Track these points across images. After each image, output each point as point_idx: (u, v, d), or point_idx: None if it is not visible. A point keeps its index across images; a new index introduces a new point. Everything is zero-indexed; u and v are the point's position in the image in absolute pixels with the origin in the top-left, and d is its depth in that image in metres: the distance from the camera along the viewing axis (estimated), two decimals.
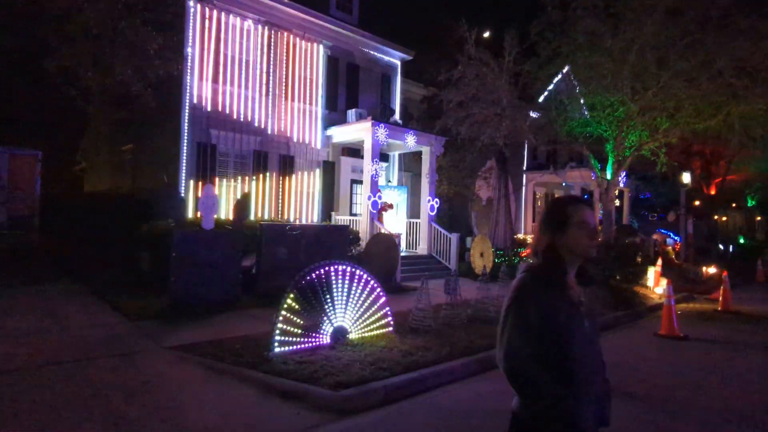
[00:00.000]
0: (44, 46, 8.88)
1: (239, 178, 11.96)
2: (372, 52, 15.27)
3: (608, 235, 12.48)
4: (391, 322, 6.06)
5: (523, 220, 20.50)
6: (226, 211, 11.31)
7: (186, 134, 11.06)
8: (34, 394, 3.96)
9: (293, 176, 12.89)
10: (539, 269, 1.68)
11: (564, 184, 21.02)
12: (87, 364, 4.71)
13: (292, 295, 5.21)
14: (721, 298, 10.03)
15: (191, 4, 11.06)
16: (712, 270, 14.93)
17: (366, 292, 5.81)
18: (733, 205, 33.49)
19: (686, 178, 17.17)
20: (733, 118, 11.47)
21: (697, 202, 25.92)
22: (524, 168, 20.67)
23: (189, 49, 10.95)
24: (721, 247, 20.43)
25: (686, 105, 11.29)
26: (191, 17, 11.10)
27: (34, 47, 9.32)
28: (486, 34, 14.47)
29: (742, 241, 28.41)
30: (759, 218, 37.17)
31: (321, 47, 13.56)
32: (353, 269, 5.77)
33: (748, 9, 9.97)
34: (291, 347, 5.10)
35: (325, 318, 5.42)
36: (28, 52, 9.71)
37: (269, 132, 12.44)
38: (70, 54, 8.52)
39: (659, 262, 13.16)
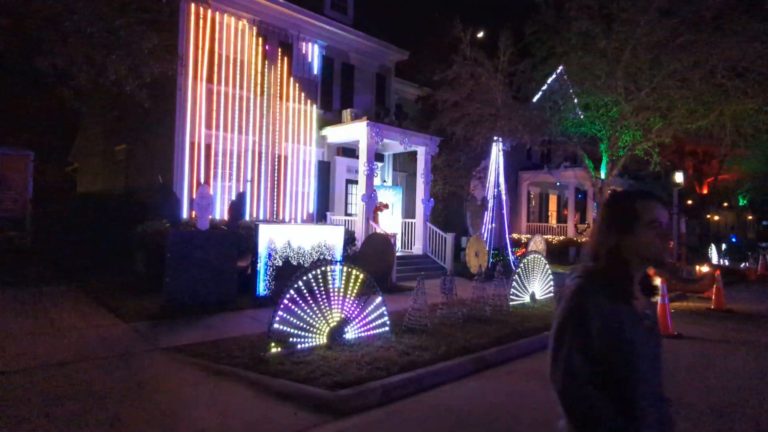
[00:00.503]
0: (37, 44, 8.78)
1: (234, 178, 11.92)
2: (367, 52, 15.27)
3: None
4: (388, 322, 6.06)
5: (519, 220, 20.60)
6: (221, 212, 11.28)
7: (180, 134, 11.02)
8: (28, 395, 3.93)
9: (288, 176, 12.85)
10: (601, 275, 1.45)
11: (558, 183, 21.14)
12: (82, 366, 4.68)
13: (288, 295, 5.21)
14: (714, 297, 10.11)
15: (186, 3, 11.02)
16: (705, 269, 15.04)
17: (362, 292, 5.81)
18: (725, 204, 33.84)
19: (679, 177, 17.28)
20: (725, 118, 11.61)
21: (689, 202, 26.15)
22: (519, 167, 20.78)
23: (183, 49, 10.90)
24: (713, 247, 20.58)
25: (679, 105, 11.41)
26: (186, 17, 11.05)
27: (26, 46, 9.21)
28: (480, 35, 14.52)
29: (734, 239, 28.69)
30: (750, 217, 37.59)
31: (316, 47, 13.54)
32: (349, 269, 5.77)
33: (740, 10, 10.08)
34: (287, 347, 5.09)
35: (321, 318, 5.41)
36: (20, 50, 9.59)
37: (264, 132, 12.40)
38: (63, 53, 8.43)
39: None
